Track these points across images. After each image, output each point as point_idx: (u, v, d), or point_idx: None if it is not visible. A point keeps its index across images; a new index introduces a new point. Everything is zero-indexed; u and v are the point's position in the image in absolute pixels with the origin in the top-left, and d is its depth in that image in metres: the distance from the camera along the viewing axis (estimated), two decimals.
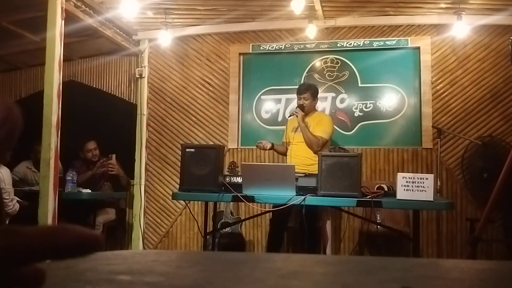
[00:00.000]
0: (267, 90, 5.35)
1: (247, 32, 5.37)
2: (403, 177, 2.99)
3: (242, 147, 5.34)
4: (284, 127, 4.42)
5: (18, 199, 4.03)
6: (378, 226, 4.01)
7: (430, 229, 4.84)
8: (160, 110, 5.60)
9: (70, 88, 4.92)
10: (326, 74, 5.22)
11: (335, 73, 5.21)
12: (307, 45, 5.23)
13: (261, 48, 5.35)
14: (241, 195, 3.17)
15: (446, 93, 4.95)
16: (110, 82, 5.76)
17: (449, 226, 4.84)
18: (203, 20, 5.22)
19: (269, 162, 5.06)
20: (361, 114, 5.12)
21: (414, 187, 2.94)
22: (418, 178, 2.98)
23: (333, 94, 5.19)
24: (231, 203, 4.62)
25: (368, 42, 5.11)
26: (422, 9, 4.85)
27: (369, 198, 3.04)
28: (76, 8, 4.32)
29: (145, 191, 5.57)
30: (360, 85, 5.14)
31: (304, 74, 5.26)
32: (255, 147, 4.31)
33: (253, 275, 0.69)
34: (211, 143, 5.32)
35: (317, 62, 5.26)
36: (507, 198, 3.82)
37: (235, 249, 4.76)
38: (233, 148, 5.32)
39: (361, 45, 5.13)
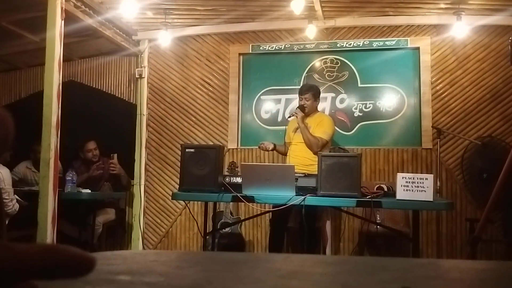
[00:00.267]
0: (267, 90, 5.35)
1: (247, 32, 5.37)
2: (402, 177, 2.99)
3: (242, 147, 5.34)
4: (284, 127, 4.42)
5: (18, 199, 4.03)
6: (378, 226, 4.00)
7: (430, 229, 4.84)
8: (160, 110, 5.60)
9: (70, 88, 4.92)
10: (326, 74, 5.22)
11: (335, 73, 5.21)
12: (307, 45, 5.23)
13: (260, 48, 5.35)
14: (240, 195, 3.16)
15: (445, 93, 4.95)
16: (110, 82, 5.75)
17: (448, 226, 4.84)
18: (203, 20, 5.22)
19: (268, 163, 5.06)
20: (360, 114, 5.12)
21: (414, 187, 2.94)
22: (417, 178, 2.98)
23: (333, 94, 5.19)
24: (231, 203, 4.62)
25: (368, 42, 5.11)
26: (422, 10, 4.85)
27: (368, 198, 3.04)
28: (76, 8, 4.32)
29: (145, 191, 5.56)
30: (359, 85, 5.14)
31: (304, 74, 5.26)
32: (257, 147, 4.31)
33: (253, 275, 0.69)
34: (211, 143, 5.32)
35: (317, 62, 5.26)
36: (507, 198, 3.82)
37: (234, 249, 4.76)
38: (233, 148, 5.32)
39: (360, 45, 5.13)
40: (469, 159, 4.76)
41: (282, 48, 5.30)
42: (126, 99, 5.69)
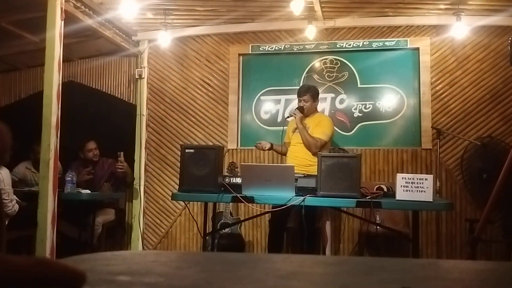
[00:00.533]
0: (267, 91, 5.35)
1: (247, 32, 5.37)
2: (402, 178, 2.99)
3: (242, 147, 5.34)
4: (284, 127, 4.42)
5: (18, 199, 4.03)
6: (378, 227, 4.00)
7: (430, 229, 4.84)
8: (160, 110, 5.60)
9: (69, 89, 4.91)
10: (326, 75, 5.23)
11: (335, 74, 5.21)
12: (307, 46, 5.23)
13: (260, 48, 5.35)
14: (240, 196, 3.16)
15: (445, 93, 4.96)
16: (110, 82, 5.75)
17: (448, 226, 4.84)
18: (202, 21, 5.22)
19: (268, 163, 5.06)
20: (360, 114, 5.13)
21: (414, 187, 2.94)
22: (417, 179, 2.98)
23: (333, 95, 5.19)
24: (231, 203, 4.62)
25: (368, 42, 5.12)
26: (421, 10, 4.85)
27: (368, 198, 3.04)
28: (76, 9, 4.32)
29: (145, 191, 5.56)
30: (359, 85, 5.15)
31: (304, 74, 5.26)
32: (254, 147, 4.31)
33: (253, 276, 0.69)
34: (211, 143, 5.32)
35: (317, 63, 5.27)
36: (507, 198, 3.82)
37: (234, 249, 4.76)
38: (233, 149, 5.32)
39: (360, 45, 5.13)
40: (469, 160, 4.77)
41: (282, 48, 5.30)
42: (126, 100, 5.68)
